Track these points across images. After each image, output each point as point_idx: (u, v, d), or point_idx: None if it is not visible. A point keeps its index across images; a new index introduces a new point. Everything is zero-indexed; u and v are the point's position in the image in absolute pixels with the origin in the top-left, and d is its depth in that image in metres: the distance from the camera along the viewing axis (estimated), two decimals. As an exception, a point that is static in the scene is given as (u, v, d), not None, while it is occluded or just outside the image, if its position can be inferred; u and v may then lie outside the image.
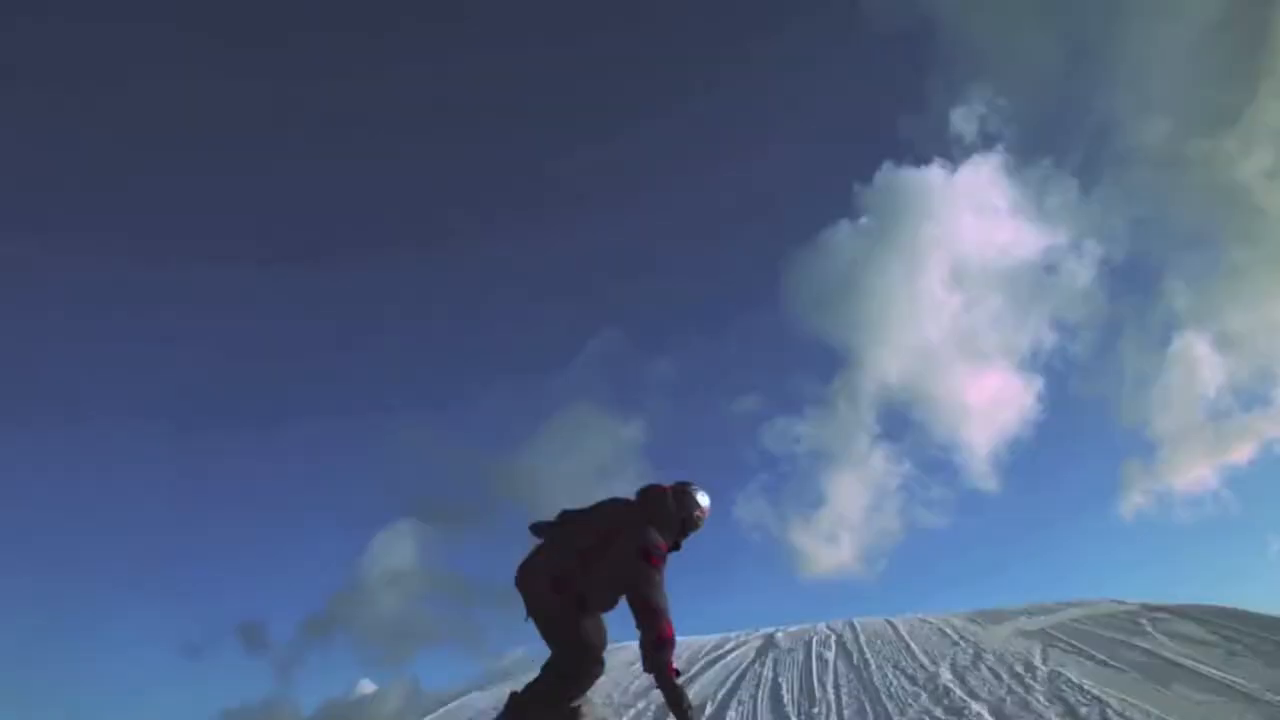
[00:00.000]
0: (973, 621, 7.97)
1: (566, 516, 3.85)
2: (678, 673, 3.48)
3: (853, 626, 8.49)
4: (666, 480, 3.86)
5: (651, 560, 3.54)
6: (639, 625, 3.44)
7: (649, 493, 3.77)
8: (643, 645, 3.43)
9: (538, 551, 3.72)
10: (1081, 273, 26.82)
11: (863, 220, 26.60)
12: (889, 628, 8.22)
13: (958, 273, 27.26)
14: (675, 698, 3.46)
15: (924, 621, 8.44)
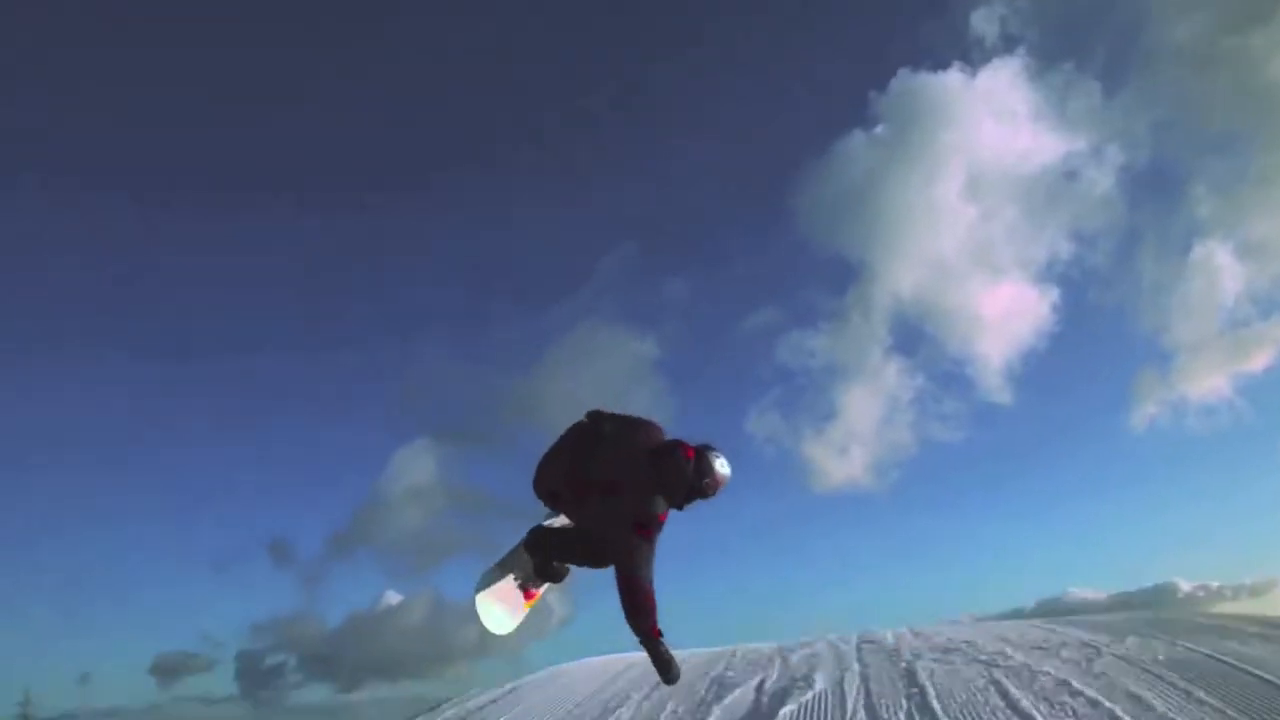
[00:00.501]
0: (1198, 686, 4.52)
1: (596, 421, 3.77)
2: (660, 633, 3.54)
3: (924, 701, 5.06)
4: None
5: (643, 532, 3.54)
6: (620, 591, 3.49)
7: (670, 455, 3.57)
8: (625, 612, 3.50)
9: (550, 456, 3.74)
10: (1102, 180, 25.66)
11: (878, 129, 25.56)
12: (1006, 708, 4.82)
13: (975, 182, 26.36)
14: (657, 658, 3.55)
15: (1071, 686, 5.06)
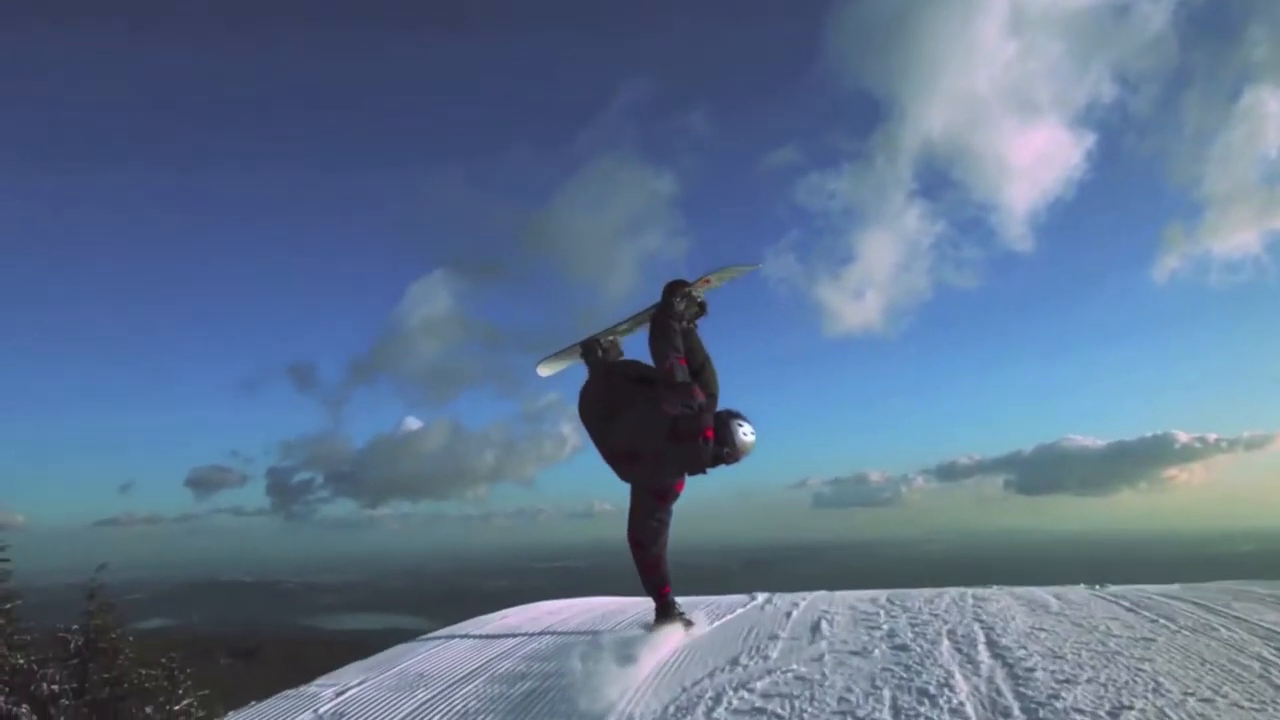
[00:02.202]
0: None
1: (604, 373, 3.99)
2: (669, 591, 3.88)
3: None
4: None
5: (660, 501, 3.73)
6: (631, 551, 3.83)
7: (690, 439, 3.53)
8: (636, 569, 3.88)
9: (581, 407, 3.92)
10: (1156, 16, 22.89)
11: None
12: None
13: (1019, 14, 23.75)
14: (662, 614, 3.89)
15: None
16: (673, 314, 3.77)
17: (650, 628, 3.83)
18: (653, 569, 3.84)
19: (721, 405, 3.86)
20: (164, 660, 18.90)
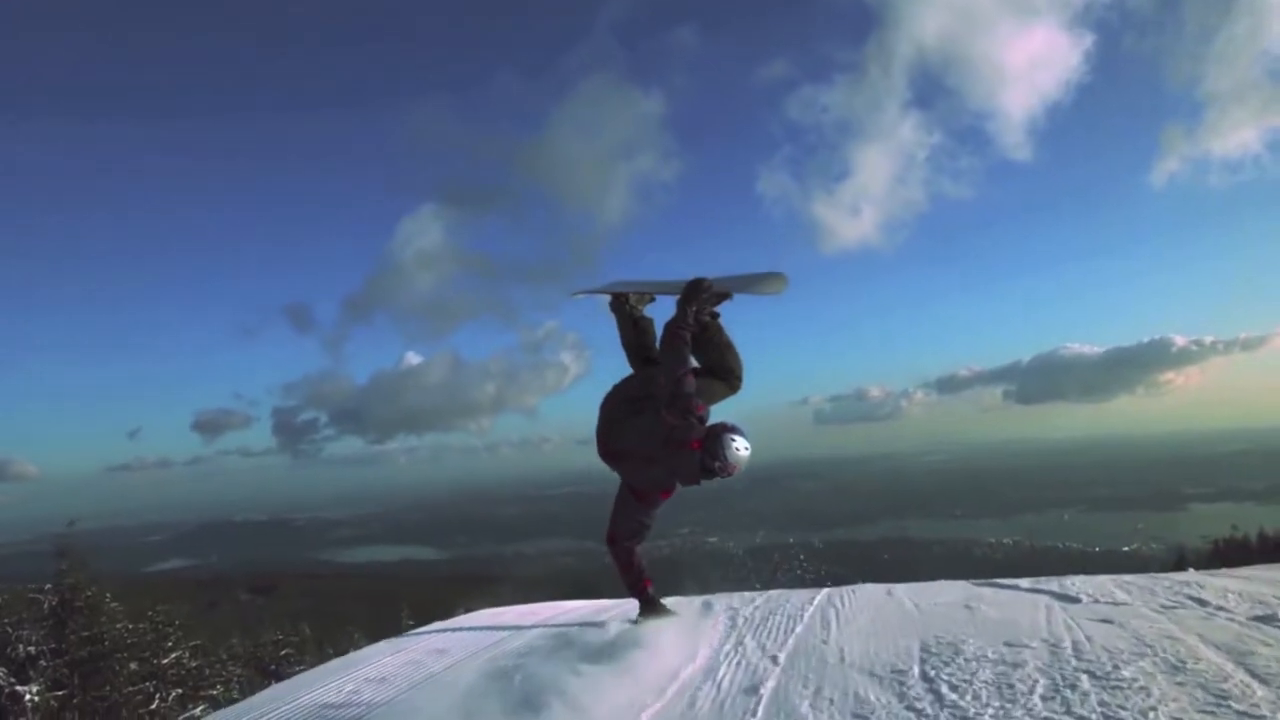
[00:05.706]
0: None
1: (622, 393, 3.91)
2: (649, 586, 3.99)
3: None
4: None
5: (642, 501, 3.87)
6: (607, 546, 4.02)
7: (680, 450, 3.57)
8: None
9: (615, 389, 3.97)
10: None
11: None
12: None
13: None
14: (645, 609, 4.02)
15: None
16: (685, 324, 3.73)
17: (636, 622, 3.95)
18: (628, 565, 3.97)
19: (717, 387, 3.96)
20: (150, 614, 18.32)
